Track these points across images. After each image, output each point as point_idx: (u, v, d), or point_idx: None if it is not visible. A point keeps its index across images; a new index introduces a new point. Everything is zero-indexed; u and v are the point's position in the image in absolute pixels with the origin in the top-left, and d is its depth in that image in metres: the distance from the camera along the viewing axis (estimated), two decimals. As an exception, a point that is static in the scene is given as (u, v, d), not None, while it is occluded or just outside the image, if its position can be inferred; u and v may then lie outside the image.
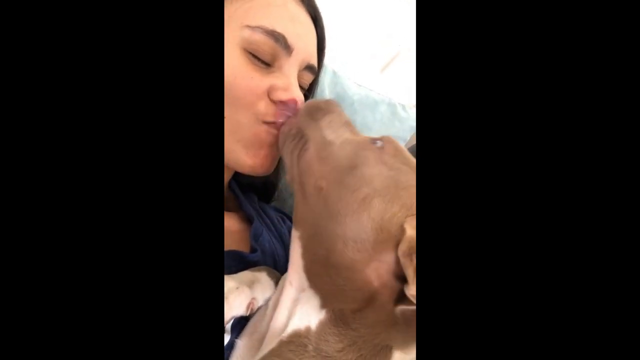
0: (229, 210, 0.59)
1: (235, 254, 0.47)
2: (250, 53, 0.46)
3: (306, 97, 0.60)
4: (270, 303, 0.40)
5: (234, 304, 0.38)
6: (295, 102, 0.47)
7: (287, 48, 0.47)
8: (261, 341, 0.37)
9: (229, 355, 0.39)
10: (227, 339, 0.39)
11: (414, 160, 0.39)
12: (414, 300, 0.31)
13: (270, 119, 0.47)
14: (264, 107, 0.47)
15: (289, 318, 0.36)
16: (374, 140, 0.40)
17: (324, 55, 0.59)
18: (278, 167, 0.63)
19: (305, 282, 0.37)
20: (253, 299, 0.40)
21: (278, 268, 0.49)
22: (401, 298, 0.32)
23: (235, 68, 0.45)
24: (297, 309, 0.36)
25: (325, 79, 0.93)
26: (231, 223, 0.55)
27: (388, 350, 0.33)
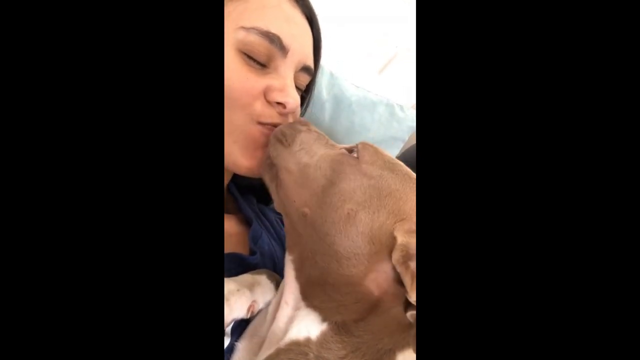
0: (227, 213, 0.59)
1: (234, 256, 0.47)
2: (246, 54, 0.46)
3: (303, 98, 0.60)
4: (270, 308, 0.40)
5: (235, 307, 0.38)
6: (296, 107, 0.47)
7: (283, 49, 0.47)
8: (261, 345, 0.37)
9: (228, 358, 0.38)
10: (227, 341, 0.39)
11: (394, 162, 0.39)
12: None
13: (265, 119, 0.47)
14: (259, 107, 0.46)
15: (285, 331, 0.35)
16: (349, 150, 0.40)
17: (320, 56, 0.59)
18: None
19: (301, 303, 0.36)
20: (254, 301, 0.40)
21: (277, 270, 0.49)
22: (409, 303, 0.32)
23: (231, 69, 0.45)
24: (294, 325, 0.35)
25: (322, 81, 0.93)
26: (230, 226, 0.55)
27: (391, 353, 0.33)
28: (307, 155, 0.40)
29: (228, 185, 0.63)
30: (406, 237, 0.32)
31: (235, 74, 0.45)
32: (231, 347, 0.39)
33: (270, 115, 0.47)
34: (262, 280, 0.43)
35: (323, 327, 0.34)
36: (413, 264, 0.31)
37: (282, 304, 0.37)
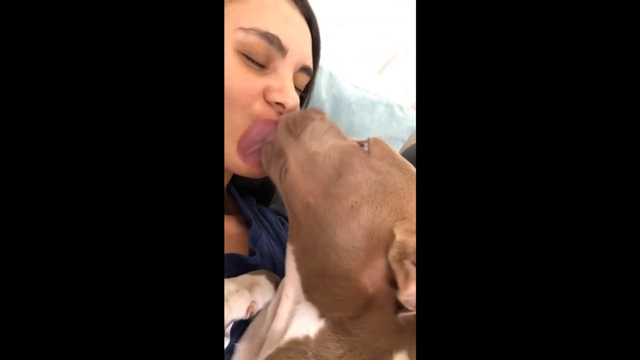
0: (227, 214, 0.59)
1: (234, 257, 0.47)
2: (245, 55, 0.46)
3: (302, 98, 0.60)
4: (269, 308, 0.40)
5: (234, 307, 0.38)
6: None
7: (282, 50, 0.47)
8: (261, 346, 0.37)
9: (228, 359, 0.38)
10: (226, 342, 0.39)
11: (403, 161, 0.39)
12: (408, 306, 0.31)
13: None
14: (259, 107, 0.47)
15: (285, 329, 0.35)
16: (360, 144, 0.40)
17: (319, 56, 0.59)
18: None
19: (301, 295, 0.36)
20: (253, 302, 0.40)
21: (277, 271, 0.49)
22: (401, 305, 0.32)
23: (230, 70, 0.45)
24: (295, 321, 0.35)
25: (321, 81, 0.93)
26: (230, 226, 0.55)
27: (388, 353, 0.33)
28: (317, 143, 0.40)
29: (227, 186, 0.63)
30: (405, 236, 0.32)
31: (235, 75, 0.45)
32: (231, 348, 0.39)
33: (270, 115, 0.47)
34: (262, 280, 0.43)
35: (321, 324, 0.34)
36: (408, 263, 0.31)
37: (283, 297, 0.37)
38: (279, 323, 0.37)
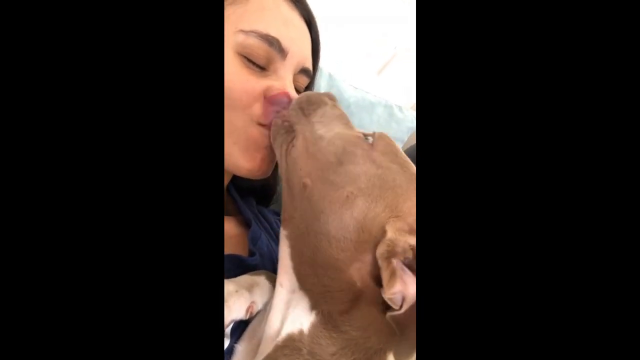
0: (227, 215, 0.59)
1: (234, 257, 0.47)
2: (245, 57, 0.46)
3: (302, 100, 0.60)
4: (268, 307, 0.40)
5: (234, 308, 0.38)
6: (286, 95, 0.46)
7: (282, 52, 0.47)
8: (259, 345, 0.37)
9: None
10: (226, 343, 0.39)
11: (406, 159, 0.39)
12: (392, 304, 0.30)
13: (265, 121, 0.47)
14: (259, 108, 0.47)
15: (282, 322, 0.35)
16: (366, 136, 0.40)
17: (319, 58, 0.59)
18: (276, 169, 0.63)
19: (295, 283, 0.36)
20: (252, 302, 0.40)
21: (276, 272, 0.49)
22: (388, 306, 0.31)
23: (230, 72, 0.45)
24: (290, 312, 0.35)
25: (321, 82, 0.93)
26: (229, 227, 0.55)
27: (382, 353, 0.32)
28: (325, 128, 0.40)
29: (227, 186, 0.63)
30: (396, 234, 0.31)
31: (235, 76, 0.45)
32: (231, 349, 0.39)
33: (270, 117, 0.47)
34: (261, 281, 0.43)
35: (312, 317, 0.34)
36: (395, 262, 0.30)
37: (277, 286, 0.37)
38: (275, 315, 0.36)
